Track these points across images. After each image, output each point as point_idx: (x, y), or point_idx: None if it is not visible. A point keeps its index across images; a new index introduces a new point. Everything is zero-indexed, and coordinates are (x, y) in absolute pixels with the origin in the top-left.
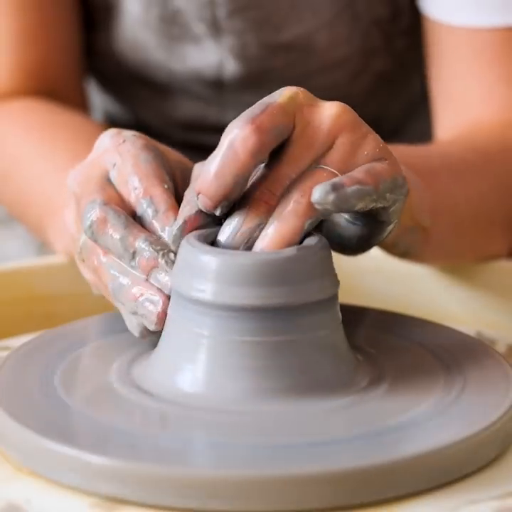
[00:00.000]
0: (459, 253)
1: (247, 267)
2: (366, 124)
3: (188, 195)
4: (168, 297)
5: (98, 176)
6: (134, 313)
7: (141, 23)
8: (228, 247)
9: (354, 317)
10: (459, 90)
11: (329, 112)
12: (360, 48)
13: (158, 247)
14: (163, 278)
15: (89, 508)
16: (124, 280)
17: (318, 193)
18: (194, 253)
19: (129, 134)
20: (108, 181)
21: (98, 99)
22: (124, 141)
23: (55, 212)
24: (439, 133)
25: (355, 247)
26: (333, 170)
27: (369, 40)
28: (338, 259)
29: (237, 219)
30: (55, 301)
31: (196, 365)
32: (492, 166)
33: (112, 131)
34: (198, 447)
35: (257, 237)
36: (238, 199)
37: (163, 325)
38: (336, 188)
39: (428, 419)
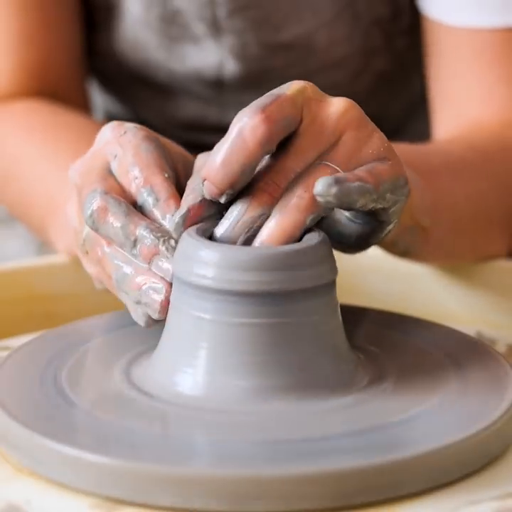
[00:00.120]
0: (458, 252)
1: (245, 262)
2: (372, 123)
3: (192, 184)
4: (171, 285)
5: (99, 167)
6: (138, 302)
7: (141, 23)
8: (228, 235)
9: (354, 317)
10: (459, 90)
11: (336, 107)
12: (361, 48)
13: (159, 234)
14: (164, 265)
15: (89, 508)
16: (128, 269)
17: (321, 185)
18: (195, 246)
19: (130, 125)
20: (109, 172)
21: (99, 99)
22: (125, 132)
23: (57, 211)
24: (437, 133)
25: (354, 245)
26: (336, 167)
27: (369, 39)
28: (338, 259)
29: (239, 207)
30: (56, 301)
31: (196, 365)
32: (491, 165)
33: (114, 123)
34: (198, 447)
35: (257, 227)
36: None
37: (167, 313)
38: (338, 181)
39: (428, 419)
